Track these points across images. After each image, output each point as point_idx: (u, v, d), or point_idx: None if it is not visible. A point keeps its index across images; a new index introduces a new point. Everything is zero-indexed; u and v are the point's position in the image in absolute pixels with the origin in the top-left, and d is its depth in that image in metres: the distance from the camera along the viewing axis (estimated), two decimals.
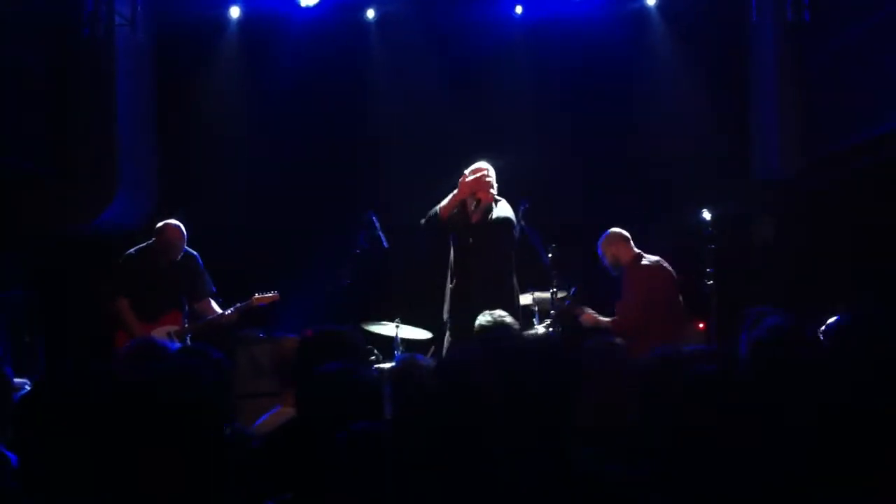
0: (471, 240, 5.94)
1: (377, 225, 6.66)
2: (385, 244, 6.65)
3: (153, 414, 2.06)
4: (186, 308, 6.70)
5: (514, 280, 6.10)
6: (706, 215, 6.25)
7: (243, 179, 8.48)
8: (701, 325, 6.68)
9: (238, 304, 6.72)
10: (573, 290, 6.64)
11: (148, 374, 2.26)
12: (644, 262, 6.32)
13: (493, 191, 6.02)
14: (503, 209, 6.08)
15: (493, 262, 5.94)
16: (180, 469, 2.02)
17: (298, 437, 2.87)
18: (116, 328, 6.51)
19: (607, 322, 6.23)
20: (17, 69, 6.86)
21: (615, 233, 6.43)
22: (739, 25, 8.16)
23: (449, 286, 6.09)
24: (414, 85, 8.54)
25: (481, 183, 5.97)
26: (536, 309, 6.64)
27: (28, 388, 3.81)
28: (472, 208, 6.02)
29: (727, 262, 6.56)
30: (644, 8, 8.52)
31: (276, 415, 3.54)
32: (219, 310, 6.71)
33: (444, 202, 6.05)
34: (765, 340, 3.12)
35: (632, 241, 6.42)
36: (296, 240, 8.29)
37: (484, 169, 6.06)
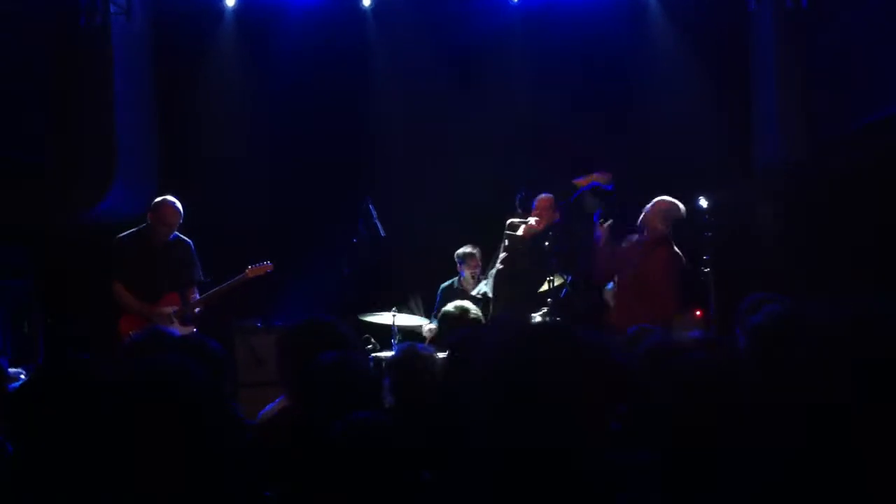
0: (520, 246, 6.94)
1: (374, 213, 6.65)
2: (382, 233, 6.65)
3: (149, 405, 2.05)
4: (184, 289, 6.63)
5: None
6: (703, 202, 6.22)
7: (241, 167, 8.44)
8: (698, 313, 6.67)
9: (233, 278, 6.66)
10: (569, 278, 6.63)
11: (144, 365, 2.25)
12: (674, 246, 6.19)
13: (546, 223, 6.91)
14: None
15: (530, 268, 6.88)
16: (177, 459, 2.02)
17: (296, 426, 2.87)
18: (120, 314, 6.47)
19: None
20: (13, 59, 6.84)
21: (676, 209, 6.24)
22: (739, 11, 8.12)
23: (497, 268, 7.01)
24: (411, 71, 8.52)
25: (546, 212, 6.94)
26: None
27: (24, 378, 3.81)
28: (528, 225, 6.93)
29: (726, 249, 6.54)
30: None
31: (281, 405, 3.52)
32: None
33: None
34: (763, 327, 3.10)
35: None
36: (294, 228, 8.28)
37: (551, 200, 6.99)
